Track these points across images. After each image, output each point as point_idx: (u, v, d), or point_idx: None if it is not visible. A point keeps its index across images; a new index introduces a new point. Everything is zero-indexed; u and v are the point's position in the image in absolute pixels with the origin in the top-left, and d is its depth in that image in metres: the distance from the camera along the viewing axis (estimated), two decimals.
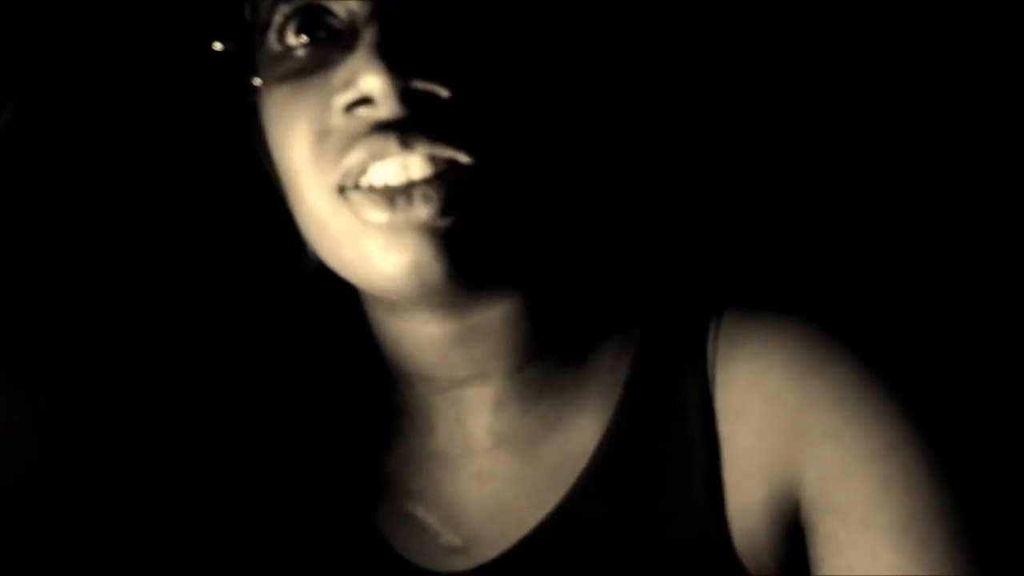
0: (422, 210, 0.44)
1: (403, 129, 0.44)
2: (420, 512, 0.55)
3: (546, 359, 0.54)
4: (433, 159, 0.44)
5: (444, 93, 0.44)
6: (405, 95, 0.43)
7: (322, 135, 0.46)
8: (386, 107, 0.43)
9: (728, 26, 0.70)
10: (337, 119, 0.45)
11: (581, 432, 0.53)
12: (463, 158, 0.45)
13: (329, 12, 0.46)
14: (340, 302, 0.55)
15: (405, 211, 0.44)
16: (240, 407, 0.60)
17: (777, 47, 0.72)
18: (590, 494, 0.52)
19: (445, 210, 0.44)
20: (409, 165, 0.45)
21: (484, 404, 0.54)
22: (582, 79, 0.51)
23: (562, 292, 0.54)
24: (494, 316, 0.51)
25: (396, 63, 0.43)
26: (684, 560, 0.49)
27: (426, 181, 0.44)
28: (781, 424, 0.49)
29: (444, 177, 0.44)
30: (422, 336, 0.52)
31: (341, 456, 0.58)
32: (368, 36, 0.44)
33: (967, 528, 0.45)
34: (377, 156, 0.44)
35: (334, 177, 0.46)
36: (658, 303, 0.55)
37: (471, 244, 0.45)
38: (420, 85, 0.44)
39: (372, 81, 0.43)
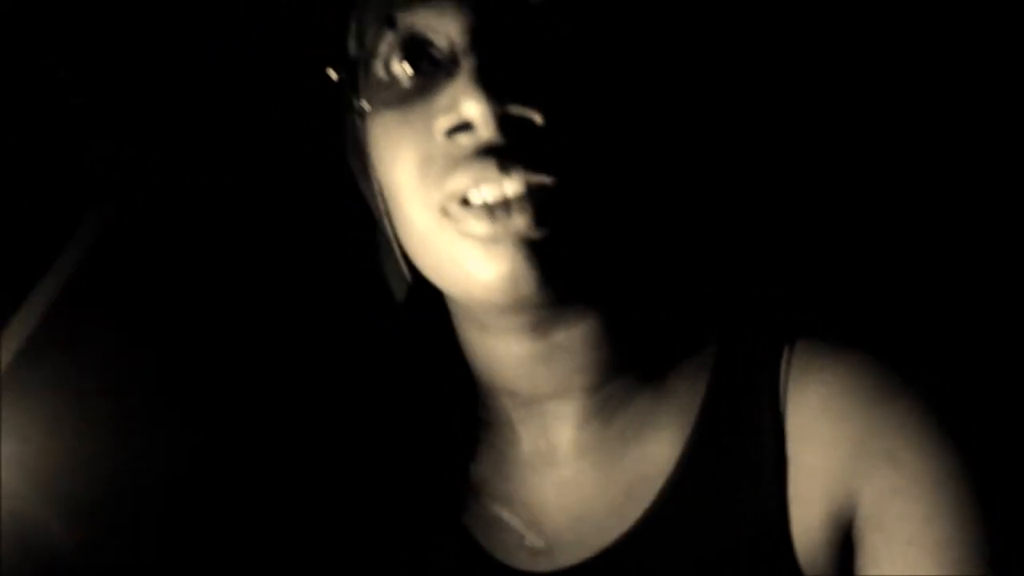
0: (519, 220, 0.48)
1: (501, 154, 0.48)
2: (506, 514, 0.59)
3: (625, 376, 0.57)
4: (528, 182, 0.48)
5: (538, 119, 0.48)
6: (503, 121, 0.47)
7: (427, 159, 0.50)
8: (486, 132, 0.47)
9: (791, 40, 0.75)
10: (440, 143, 0.49)
11: (659, 448, 0.57)
12: (554, 180, 0.49)
13: (431, 42, 0.50)
14: (435, 322, 0.59)
15: (504, 222, 0.48)
16: (346, 418, 0.65)
17: (840, 61, 0.75)
18: (667, 510, 0.55)
19: (539, 222, 0.48)
20: (506, 187, 0.48)
21: (567, 417, 0.58)
22: (659, 102, 0.54)
23: (641, 311, 0.58)
24: (576, 336, 0.55)
25: (494, 90, 0.47)
26: (752, 571, 0.52)
27: (521, 197, 0.48)
28: (846, 446, 0.52)
29: (537, 194, 0.48)
30: (510, 353, 0.56)
31: (436, 463, 0.62)
32: (467, 64, 0.47)
33: (1006, 555, 0.48)
34: (478, 181, 0.49)
35: (437, 198, 0.50)
36: (735, 324, 0.59)
37: (562, 256, 0.49)
38: (516, 111, 0.48)
39: (472, 107, 0.47)
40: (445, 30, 0.49)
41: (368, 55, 0.52)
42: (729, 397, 0.56)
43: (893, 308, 0.68)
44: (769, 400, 0.55)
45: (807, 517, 0.52)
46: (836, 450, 0.52)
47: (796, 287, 0.66)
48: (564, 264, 0.50)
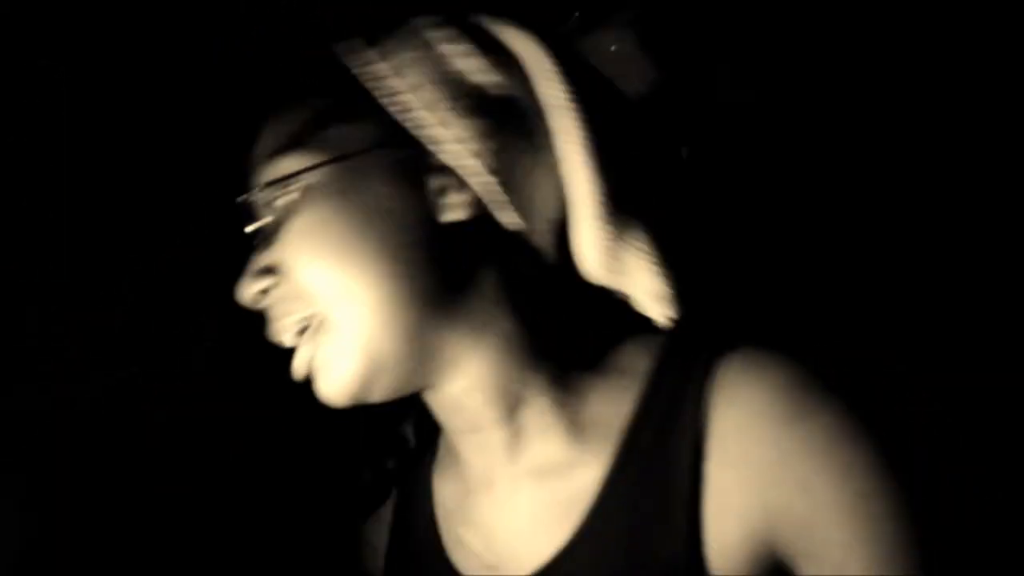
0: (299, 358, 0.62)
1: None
2: (468, 535, 0.65)
3: (536, 405, 0.62)
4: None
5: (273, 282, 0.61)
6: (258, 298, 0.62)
7: None
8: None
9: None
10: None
11: (585, 469, 0.60)
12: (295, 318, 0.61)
13: None
14: None
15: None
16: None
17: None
18: (594, 528, 0.59)
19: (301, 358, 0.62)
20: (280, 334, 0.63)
21: (492, 446, 0.63)
22: None
23: (528, 348, 0.62)
24: (462, 387, 0.61)
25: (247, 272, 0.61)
26: None
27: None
28: (758, 473, 0.54)
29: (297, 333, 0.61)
30: (431, 400, 0.64)
31: (426, 489, 0.71)
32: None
33: (935, 571, 0.51)
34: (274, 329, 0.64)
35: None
36: (664, 343, 0.62)
37: (328, 373, 0.60)
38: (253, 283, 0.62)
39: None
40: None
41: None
42: (653, 418, 0.59)
43: (822, 321, 0.71)
44: (692, 421, 0.57)
45: (723, 536, 0.55)
46: (750, 475, 0.55)
47: (722, 301, 0.70)
48: (338, 378, 0.60)
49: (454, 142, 0.59)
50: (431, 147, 0.59)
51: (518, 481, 0.63)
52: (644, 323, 0.64)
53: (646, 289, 0.61)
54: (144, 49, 0.84)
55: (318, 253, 0.58)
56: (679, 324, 0.62)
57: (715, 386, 0.57)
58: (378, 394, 0.61)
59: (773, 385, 0.56)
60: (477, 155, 0.58)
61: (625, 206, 0.60)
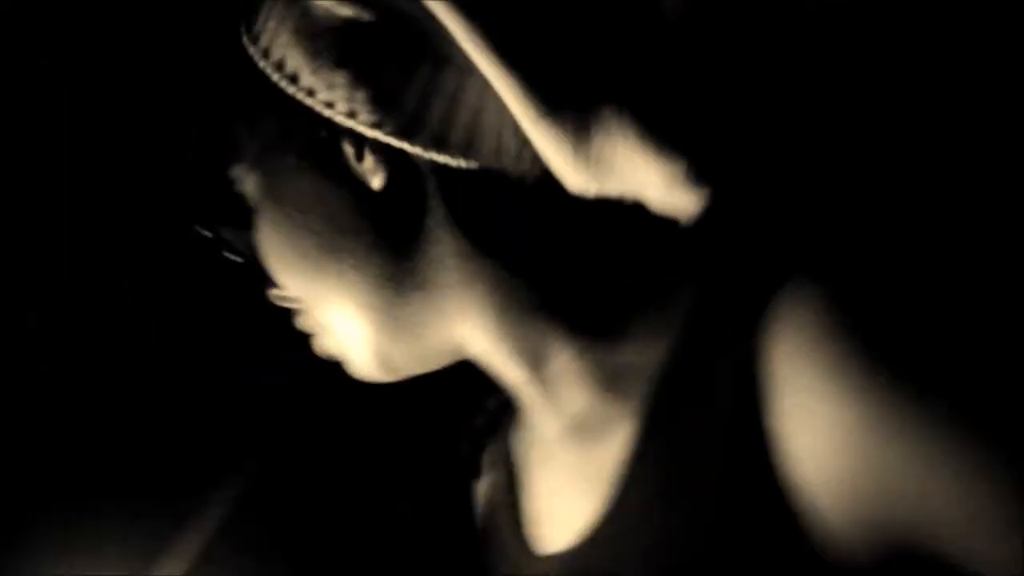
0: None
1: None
2: (524, 499, 0.63)
3: (560, 357, 0.56)
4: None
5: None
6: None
7: None
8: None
9: None
10: None
11: (618, 426, 0.54)
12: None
13: None
14: None
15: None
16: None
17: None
18: (623, 496, 0.52)
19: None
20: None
21: (532, 403, 0.59)
22: None
23: (537, 295, 0.55)
24: (477, 353, 0.58)
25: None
26: (739, 542, 0.46)
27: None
28: (836, 441, 0.44)
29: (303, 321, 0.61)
30: (486, 365, 0.61)
31: (505, 457, 0.68)
32: None
33: None
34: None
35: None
36: (709, 276, 0.53)
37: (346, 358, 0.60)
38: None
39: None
40: None
41: None
42: (693, 365, 0.50)
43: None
44: (741, 368, 0.47)
45: (812, 504, 0.45)
46: (824, 441, 0.44)
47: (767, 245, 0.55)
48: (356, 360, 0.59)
49: (339, 98, 0.51)
50: (326, 113, 0.52)
51: (559, 442, 0.59)
52: (681, 258, 0.55)
53: (650, 181, 0.49)
54: (144, 49, 0.84)
55: (281, 270, 0.57)
56: (723, 251, 0.53)
57: (770, 327, 0.46)
58: (407, 370, 0.59)
59: (844, 325, 0.43)
60: (368, 102, 0.51)
61: (584, 91, 0.49)
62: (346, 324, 0.57)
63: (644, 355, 0.53)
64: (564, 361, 0.56)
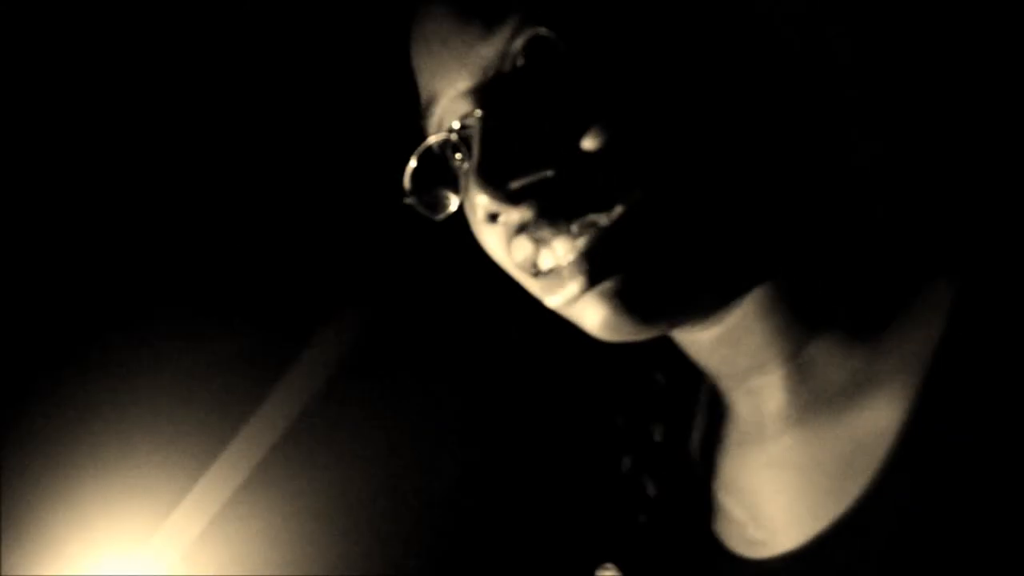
0: (574, 288, 0.49)
1: (533, 227, 0.49)
2: (731, 502, 0.57)
3: (829, 336, 0.52)
4: (572, 238, 0.49)
5: (548, 177, 0.48)
6: (517, 197, 0.48)
7: (491, 240, 0.53)
8: (506, 215, 0.49)
9: None
10: (491, 227, 0.52)
11: (880, 412, 0.49)
12: (591, 227, 0.48)
13: (454, 130, 0.52)
14: None
15: (563, 292, 0.50)
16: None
17: None
18: (892, 482, 0.48)
19: (601, 275, 0.48)
20: (556, 252, 0.49)
21: (772, 390, 0.54)
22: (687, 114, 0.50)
23: (823, 267, 0.52)
24: (750, 313, 0.52)
25: (494, 177, 0.48)
26: (1004, 554, 0.43)
27: (576, 259, 0.49)
28: None
29: (587, 247, 0.48)
30: (696, 340, 0.55)
31: (673, 447, 0.63)
32: (474, 159, 0.49)
33: None
34: (528, 256, 0.51)
35: (515, 268, 0.53)
36: (979, 258, 0.50)
37: (639, 291, 0.48)
38: (522, 183, 0.48)
39: (483, 201, 0.49)
40: (457, 120, 0.52)
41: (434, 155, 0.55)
42: (972, 342, 0.47)
43: None
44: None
45: None
46: None
47: None
48: (655, 294, 0.49)
49: None
50: None
51: (793, 431, 0.53)
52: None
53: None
54: (145, 49, 0.81)
55: None
56: (981, 248, 0.51)
57: None
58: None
59: None
60: None
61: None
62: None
63: (913, 341, 0.49)
64: (832, 340, 0.52)
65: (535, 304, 0.54)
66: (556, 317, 0.53)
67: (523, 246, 0.50)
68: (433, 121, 0.53)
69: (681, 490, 0.61)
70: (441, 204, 0.54)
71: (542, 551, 0.72)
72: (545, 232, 0.49)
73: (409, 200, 0.54)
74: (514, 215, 0.49)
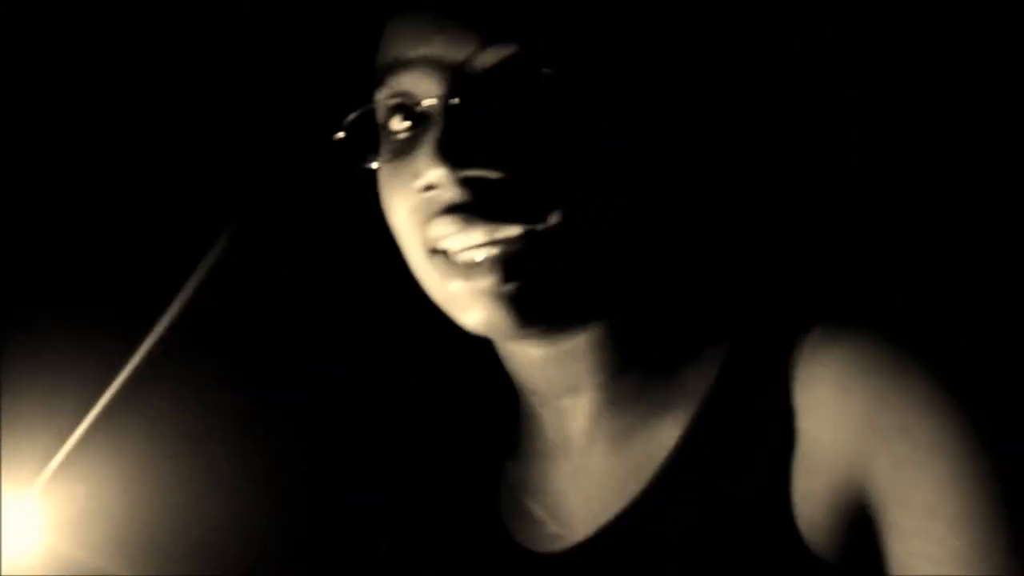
0: (486, 281, 0.54)
1: (463, 210, 0.54)
2: (531, 504, 0.65)
3: (636, 372, 0.61)
4: (491, 237, 0.54)
5: (495, 176, 0.53)
6: (463, 181, 0.53)
7: (412, 208, 0.57)
8: (448, 193, 0.54)
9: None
10: (419, 197, 0.56)
11: (665, 433, 0.60)
12: (515, 231, 0.54)
13: (416, 102, 0.56)
14: None
15: (474, 281, 0.55)
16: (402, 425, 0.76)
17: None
18: (668, 483, 0.59)
19: (505, 278, 0.54)
20: (471, 239, 0.54)
21: (580, 411, 0.62)
22: (628, 151, 0.58)
23: (649, 313, 0.61)
24: (582, 341, 0.59)
25: (453, 156, 0.52)
26: (752, 541, 0.55)
27: (488, 253, 0.54)
28: (854, 419, 0.53)
29: (503, 247, 0.54)
30: (525, 357, 0.62)
31: (477, 455, 0.71)
32: (434, 131, 0.53)
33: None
34: (446, 234, 0.55)
35: (422, 241, 0.57)
36: (749, 316, 0.62)
37: (533, 302, 0.55)
38: (474, 173, 0.53)
39: (433, 172, 0.53)
40: (423, 91, 0.55)
41: (373, 111, 0.60)
42: (738, 380, 0.59)
43: (906, 295, 0.68)
44: (779, 379, 0.56)
45: (812, 488, 0.54)
46: (844, 422, 0.54)
47: (809, 279, 0.70)
48: (540, 308, 0.55)
49: None
50: None
51: (595, 447, 0.63)
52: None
53: None
54: (144, 49, 0.81)
55: None
56: (751, 301, 0.63)
57: (805, 347, 0.57)
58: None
59: (865, 344, 0.55)
60: None
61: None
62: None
63: (695, 377, 0.60)
64: (639, 373, 0.61)
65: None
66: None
67: (443, 224, 0.55)
68: (391, 83, 0.57)
69: (473, 494, 0.69)
70: (365, 158, 0.60)
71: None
72: (472, 220, 0.53)
73: (339, 143, 0.59)
74: (454, 194, 0.53)
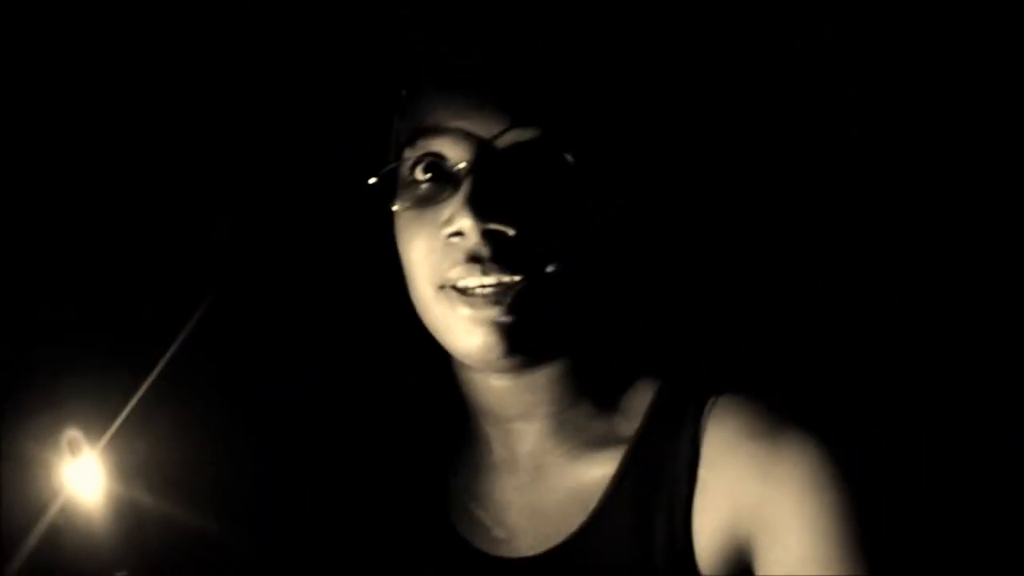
0: (493, 311, 0.66)
1: (483, 259, 0.65)
2: (478, 510, 0.75)
3: (581, 407, 0.73)
4: (500, 280, 0.66)
5: (512, 233, 0.65)
6: (485, 233, 0.65)
7: (431, 250, 0.68)
8: (472, 242, 0.65)
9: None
10: (442, 242, 0.67)
11: (600, 467, 0.72)
12: (519, 277, 0.66)
13: (444, 160, 0.68)
14: (436, 355, 0.75)
15: (482, 310, 0.66)
16: (355, 434, 0.82)
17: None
18: (604, 518, 0.70)
19: (508, 311, 0.66)
20: (484, 281, 0.66)
21: (528, 435, 0.73)
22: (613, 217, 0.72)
23: (597, 359, 0.73)
24: (540, 376, 0.71)
25: (480, 211, 0.64)
26: (665, 567, 0.67)
27: (496, 292, 0.66)
28: (736, 474, 0.67)
29: (508, 289, 0.66)
30: (487, 386, 0.73)
31: (427, 472, 0.78)
32: (466, 187, 0.65)
33: (889, 555, 0.64)
34: (465, 275, 0.66)
35: (437, 279, 0.68)
36: (677, 372, 0.75)
37: (525, 334, 0.67)
38: (495, 226, 0.65)
39: (465, 223, 0.65)
40: (455, 156, 0.67)
41: (398, 163, 0.71)
42: (659, 428, 0.71)
43: (808, 368, 0.86)
44: (692, 433, 0.69)
45: (705, 530, 0.67)
46: (730, 474, 0.67)
47: (732, 338, 0.85)
48: (526, 340, 0.67)
49: None
50: None
51: (539, 467, 0.73)
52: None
53: None
54: (144, 49, 0.86)
55: None
56: (680, 360, 0.76)
57: (715, 408, 0.70)
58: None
59: (759, 411, 0.69)
60: None
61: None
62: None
63: (624, 422, 0.73)
64: (583, 410, 0.73)
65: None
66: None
67: (465, 269, 0.66)
68: (424, 144, 0.68)
69: (422, 496, 0.77)
70: (390, 200, 0.70)
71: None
72: (488, 267, 0.65)
73: (373, 189, 0.70)
74: (476, 243, 0.65)
